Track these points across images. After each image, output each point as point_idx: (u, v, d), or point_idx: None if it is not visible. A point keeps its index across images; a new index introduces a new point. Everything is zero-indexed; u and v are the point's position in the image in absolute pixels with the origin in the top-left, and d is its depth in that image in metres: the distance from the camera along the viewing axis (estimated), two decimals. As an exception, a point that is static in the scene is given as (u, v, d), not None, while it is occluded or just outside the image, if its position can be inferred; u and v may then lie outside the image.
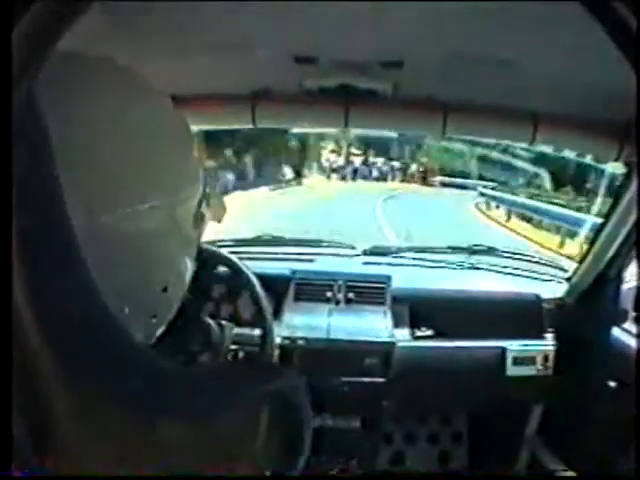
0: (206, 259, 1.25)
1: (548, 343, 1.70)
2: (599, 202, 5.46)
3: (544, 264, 2.02)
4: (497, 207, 10.48)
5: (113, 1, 0.74)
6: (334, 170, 14.94)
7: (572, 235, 6.73)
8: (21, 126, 0.35)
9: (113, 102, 0.49)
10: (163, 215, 0.54)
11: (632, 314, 1.54)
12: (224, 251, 1.34)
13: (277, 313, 1.62)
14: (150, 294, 0.55)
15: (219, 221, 0.78)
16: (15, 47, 0.34)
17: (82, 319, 0.38)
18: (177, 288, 0.60)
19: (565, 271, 1.84)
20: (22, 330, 0.34)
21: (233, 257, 1.29)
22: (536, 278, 1.92)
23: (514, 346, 1.66)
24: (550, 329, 1.74)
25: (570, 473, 1.62)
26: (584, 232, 5.02)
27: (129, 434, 0.38)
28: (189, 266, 0.63)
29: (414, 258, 2.00)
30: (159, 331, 0.58)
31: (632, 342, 1.47)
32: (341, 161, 15.15)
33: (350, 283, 1.76)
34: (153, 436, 0.39)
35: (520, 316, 1.75)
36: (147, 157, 0.52)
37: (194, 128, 1.64)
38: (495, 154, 12.32)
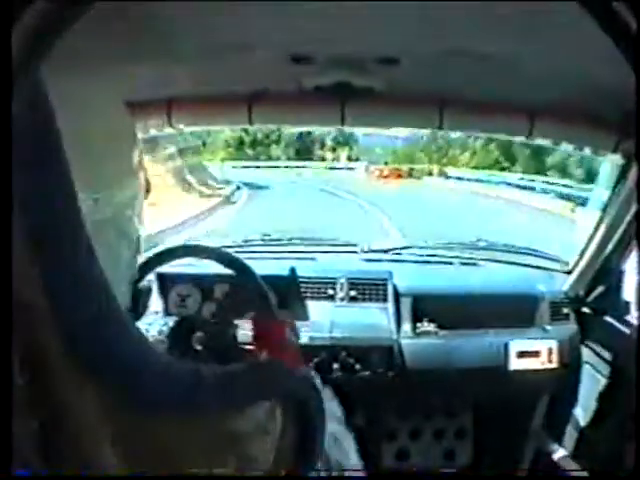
0: (209, 259, 1.25)
1: (551, 336, 1.70)
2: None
3: (544, 257, 2.02)
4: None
5: (112, 1, 0.73)
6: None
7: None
8: (23, 124, 0.35)
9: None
10: (104, 206, 0.52)
11: (634, 306, 1.54)
12: (225, 251, 1.34)
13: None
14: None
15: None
16: (15, 46, 0.34)
17: (95, 314, 0.38)
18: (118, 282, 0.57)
19: (566, 264, 1.84)
20: (33, 324, 0.34)
21: (235, 256, 1.29)
22: (537, 269, 1.92)
23: (517, 340, 1.67)
24: (552, 322, 1.74)
25: (576, 468, 1.62)
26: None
27: (138, 433, 0.38)
28: (127, 258, 0.60)
29: (414, 255, 2.00)
30: None
31: (634, 334, 1.47)
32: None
33: (352, 280, 1.76)
34: (163, 436, 0.39)
35: (521, 310, 1.74)
36: (88, 152, 0.50)
37: (190, 128, 1.63)
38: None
